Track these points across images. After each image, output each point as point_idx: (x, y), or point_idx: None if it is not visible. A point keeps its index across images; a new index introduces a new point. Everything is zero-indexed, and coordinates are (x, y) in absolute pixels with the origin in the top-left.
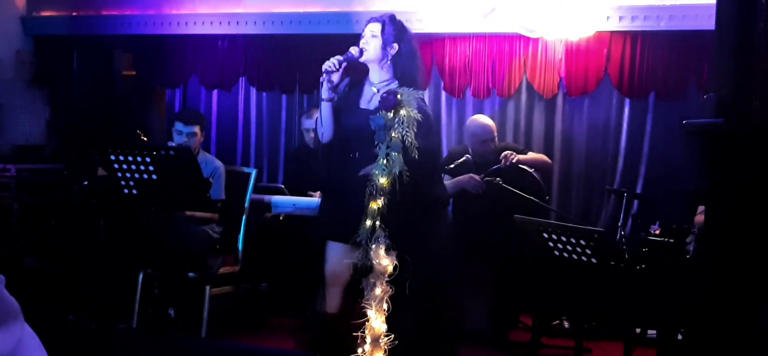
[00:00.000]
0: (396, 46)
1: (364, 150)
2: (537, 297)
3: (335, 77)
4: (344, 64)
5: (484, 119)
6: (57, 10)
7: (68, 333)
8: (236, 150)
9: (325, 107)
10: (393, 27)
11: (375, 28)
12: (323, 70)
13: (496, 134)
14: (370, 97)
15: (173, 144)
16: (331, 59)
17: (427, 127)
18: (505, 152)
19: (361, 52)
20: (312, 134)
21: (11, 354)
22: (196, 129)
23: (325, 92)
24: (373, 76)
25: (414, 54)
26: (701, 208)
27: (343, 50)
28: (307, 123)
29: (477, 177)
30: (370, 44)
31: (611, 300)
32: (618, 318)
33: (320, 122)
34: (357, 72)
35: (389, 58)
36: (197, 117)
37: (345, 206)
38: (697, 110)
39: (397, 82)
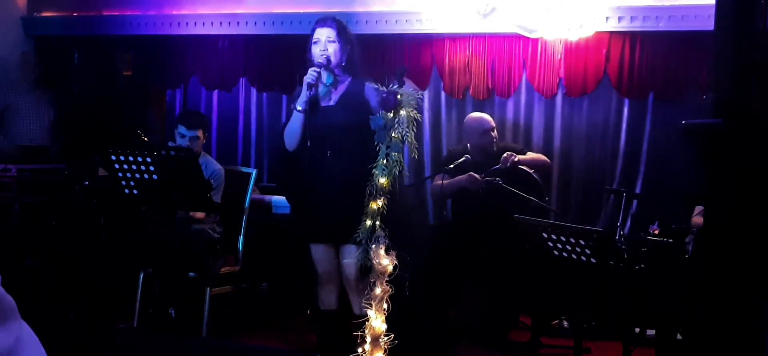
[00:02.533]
0: (349, 48)
1: (336, 147)
2: (537, 297)
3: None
4: (320, 74)
5: (481, 114)
6: (57, 11)
7: (69, 332)
8: (236, 150)
9: (300, 119)
10: (345, 30)
11: (330, 33)
12: (307, 83)
13: (490, 132)
14: (328, 95)
15: (174, 144)
16: (311, 71)
17: None
18: (506, 153)
19: (328, 59)
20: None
21: (10, 350)
22: (199, 133)
23: (303, 103)
24: (328, 77)
25: (358, 51)
26: (698, 208)
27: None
28: None
29: (477, 175)
30: (331, 49)
31: (610, 299)
32: (617, 317)
33: (291, 133)
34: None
35: (346, 60)
36: (200, 120)
37: (326, 207)
38: (697, 110)
39: (349, 78)
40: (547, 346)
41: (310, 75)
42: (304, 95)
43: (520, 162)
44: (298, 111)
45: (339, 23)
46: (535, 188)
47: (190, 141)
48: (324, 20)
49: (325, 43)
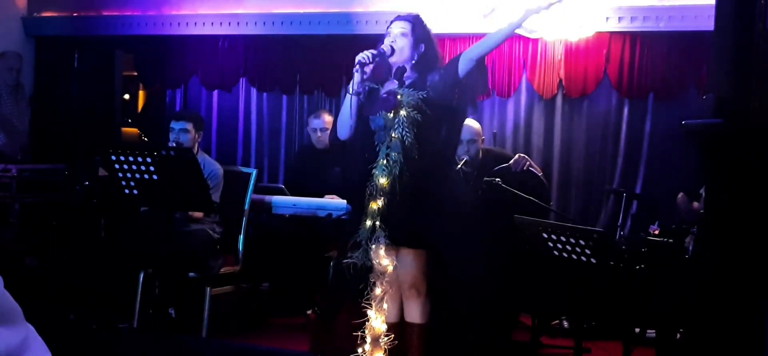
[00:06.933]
0: (423, 46)
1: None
2: (537, 297)
3: (368, 69)
4: (377, 60)
5: (468, 123)
6: (58, 11)
7: (69, 332)
8: (236, 150)
9: (352, 102)
10: (422, 27)
11: (405, 26)
12: (357, 61)
13: (479, 138)
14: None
15: (171, 144)
16: (365, 52)
17: (451, 121)
18: (518, 155)
19: (393, 50)
20: (318, 135)
21: (17, 349)
22: (189, 126)
23: (354, 85)
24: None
25: (439, 56)
26: (697, 204)
27: (344, 51)
28: (314, 123)
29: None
30: (400, 42)
31: (610, 299)
32: (617, 317)
33: (343, 117)
34: (380, 73)
35: (417, 58)
36: (190, 115)
37: (413, 210)
38: (697, 110)
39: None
40: (547, 346)
41: (362, 55)
42: (357, 75)
43: (531, 166)
44: (351, 94)
45: (416, 19)
46: (539, 189)
47: (179, 134)
48: (404, 16)
49: (397, 36)
